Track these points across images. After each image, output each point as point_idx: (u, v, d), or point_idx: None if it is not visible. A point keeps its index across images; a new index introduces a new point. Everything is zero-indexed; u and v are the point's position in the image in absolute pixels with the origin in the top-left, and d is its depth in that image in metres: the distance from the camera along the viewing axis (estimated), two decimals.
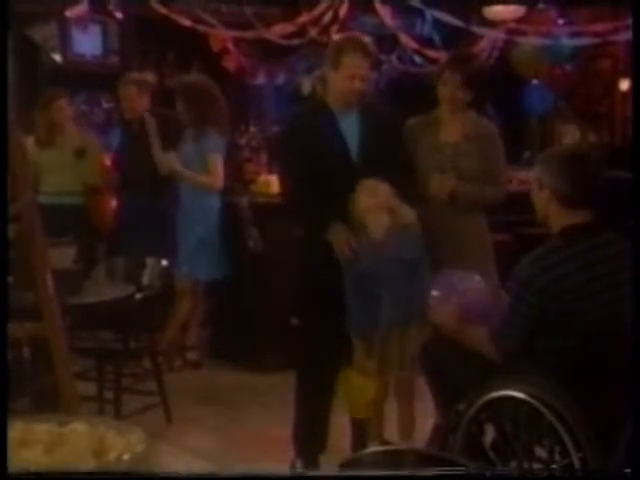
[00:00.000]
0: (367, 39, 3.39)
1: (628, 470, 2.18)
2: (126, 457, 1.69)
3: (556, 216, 2.66)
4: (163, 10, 5.42)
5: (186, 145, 4.85)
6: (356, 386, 3.21)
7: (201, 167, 4.79)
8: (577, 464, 2.35)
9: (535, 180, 2.71)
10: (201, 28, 5.68)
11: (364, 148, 3.33)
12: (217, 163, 4.78)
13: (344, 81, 3.27)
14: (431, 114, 3.59)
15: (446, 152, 3.47)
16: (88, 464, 1.68)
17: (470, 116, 3.57)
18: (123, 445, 1.72)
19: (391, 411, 3.53)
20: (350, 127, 3.35)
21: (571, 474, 2.36)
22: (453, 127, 3.52)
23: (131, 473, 1.70)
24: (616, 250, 2.62)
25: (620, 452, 2.36)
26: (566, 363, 2.53)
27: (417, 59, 6.46)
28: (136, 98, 5.03)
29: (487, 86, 3.66)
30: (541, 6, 6.57)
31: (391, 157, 3.33)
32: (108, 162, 5.49)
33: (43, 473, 1.69)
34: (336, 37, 3.52)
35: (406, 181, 3.34)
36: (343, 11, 5.84)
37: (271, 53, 6.46)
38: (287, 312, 4.55)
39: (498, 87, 7.09)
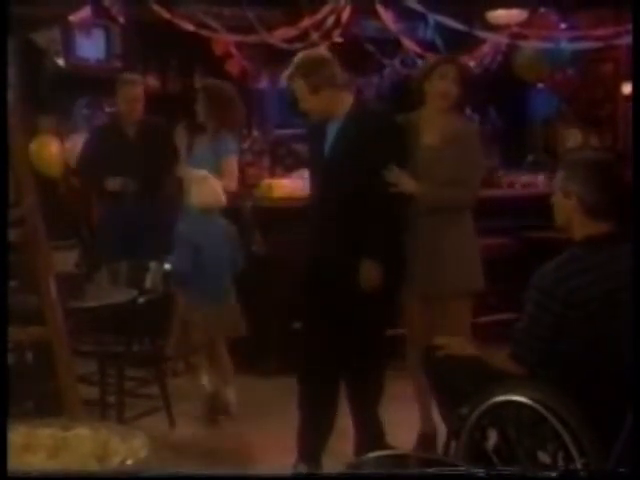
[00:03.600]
0: (303, 55, 3.46)
1: (627, 470, 2.18)
2: (129, 462, 1.69)
3: (579, 225, 2.61)
4: (166, 14, 5.43)
5: (201, 147, 4.85)
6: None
7: (214, 169, 4.79)
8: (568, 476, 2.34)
9: (560, 186, 2.64)
10: (204, 32, 5.68)
11: (333, 155, 3.37)
12: (233, 166, 4.78)
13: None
14: (414, 113, 3.54)
15: (424, 155, 3.44)
16: (92, 469, 1.68)
17: (452, 118, 3.54)
18: (126, 450, 1.72)
19: (392, 414, 3.53)
20: (331, 134, 3.39)
21: (571, 474, 2.35)
22: (434, 129, 3.49)
23: (131, 473, 1.70)
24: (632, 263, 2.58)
25: (619, 452, 2.35)
26: (583, 370, 2.52)
27: (420, 63, 6.45)
28: (140, 100, 5.02)
29: (474, 87, 3.66)
30: (543, 10, 6.57)
31: (363, 162, 3.29)
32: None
33: (42, 474, 1.69)
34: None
35: (376, 187, 3.30)
36: (345, 15, 5.84)
37: (274, 57, 6.45)
38: (290, 316, 4.56)
39: (501, 91, 7.12)
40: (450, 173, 3.43)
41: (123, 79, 5.07)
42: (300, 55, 3.48)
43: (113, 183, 4.93)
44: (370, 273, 3.28)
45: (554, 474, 2.35)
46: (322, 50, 3.58)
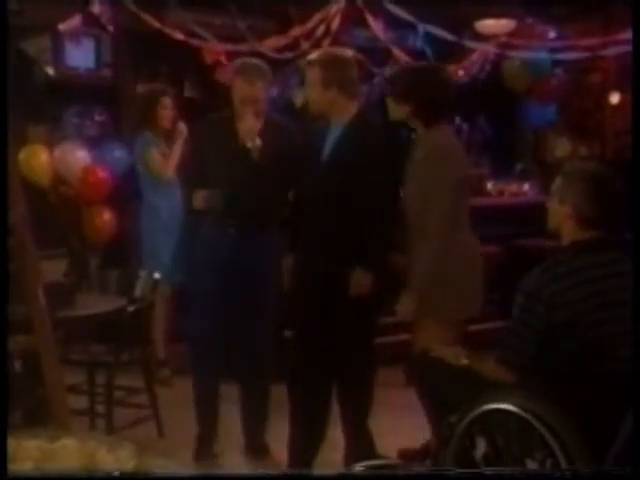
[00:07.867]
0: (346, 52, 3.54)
1: (627, 471, 2.18)
2: (116, 474, 1.69)
3: (570, 231, 2.66)
4: (156, 24, 5.43)
5: None
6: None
7: None
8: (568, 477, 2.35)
9: (556, 193, 2.69)
10: (194, 41, 5.69)
11: (331, 161, 3.38)
12: None
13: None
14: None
15: (409, 169, 3.42)
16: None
17: (437, 133, 3.42)
18: (114, 461, 1.72)
19: (384, 426, 3.53)
20: (331, 140, 3.40)
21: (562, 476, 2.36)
22: (421, 144, 3.45)
23: (127, 475, 1.70)
24: (618, 270, 2.61)
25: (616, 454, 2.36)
26: (562, 376, 2.53)
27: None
28: (261, 100, 3.67)
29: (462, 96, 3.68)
30: (532, 21, 6.61)
31: (364, 171, 3.30)
32: (105, 175, 5.50)
33: (42, 475, 1.69)
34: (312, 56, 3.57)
35: (382, 196, 3.33)
36: (335, 24, 5.86)
37: None
38: (280, 325, 4.55)
39: (490, 100, 7.15)
40: (420, 189, 3.36)
41: (240, 66, 3.74)
42: (326, 49, 3.54)
43: (199, 199, 3.61)
44: (361, 282, 3.28)
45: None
46: (348, 52, 3.62)
